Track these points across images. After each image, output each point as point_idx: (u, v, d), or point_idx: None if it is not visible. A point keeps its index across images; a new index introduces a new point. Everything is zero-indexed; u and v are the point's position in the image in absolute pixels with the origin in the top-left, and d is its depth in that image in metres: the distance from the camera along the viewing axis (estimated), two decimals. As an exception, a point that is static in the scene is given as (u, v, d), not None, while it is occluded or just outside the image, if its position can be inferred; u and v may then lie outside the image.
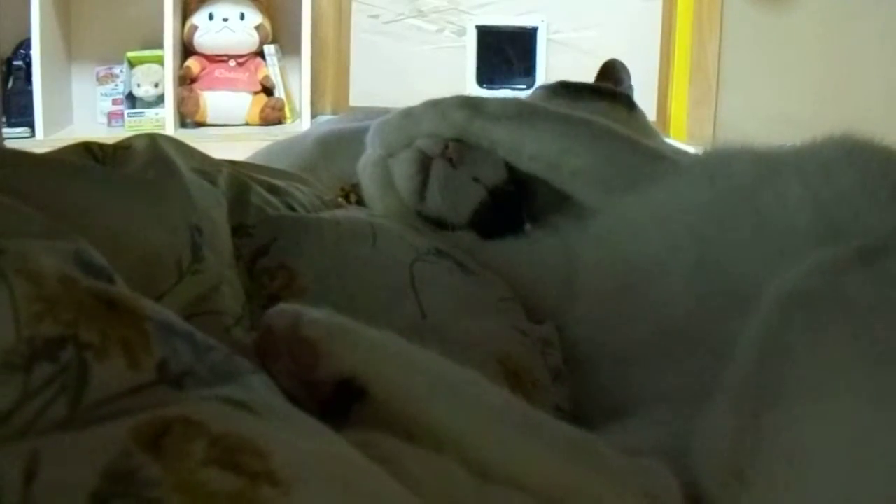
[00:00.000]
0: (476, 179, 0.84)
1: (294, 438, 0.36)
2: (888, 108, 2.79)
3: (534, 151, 0.81)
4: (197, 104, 3.20)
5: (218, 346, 0.40)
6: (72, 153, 0.62)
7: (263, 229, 0.70)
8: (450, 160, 0.83)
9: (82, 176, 0.56)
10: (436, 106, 0.85)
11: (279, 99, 3.27)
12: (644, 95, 3.13)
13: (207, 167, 0.69)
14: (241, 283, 0.62)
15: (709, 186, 0.72)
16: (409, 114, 0.86)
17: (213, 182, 0.67)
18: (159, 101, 3.22)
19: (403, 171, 0.85)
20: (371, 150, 0.89)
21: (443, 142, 0.84)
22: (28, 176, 0.52)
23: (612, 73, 1.11)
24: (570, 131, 0.82)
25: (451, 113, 0.84)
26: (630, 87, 1.11)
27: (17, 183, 0.49)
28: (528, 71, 3.20)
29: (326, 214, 0.80)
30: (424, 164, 0.84)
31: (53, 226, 0.43)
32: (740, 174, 0.72)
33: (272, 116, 3.24)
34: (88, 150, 0.63)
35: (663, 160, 0.80)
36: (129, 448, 0.31)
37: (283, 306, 0.50)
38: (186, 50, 3.25)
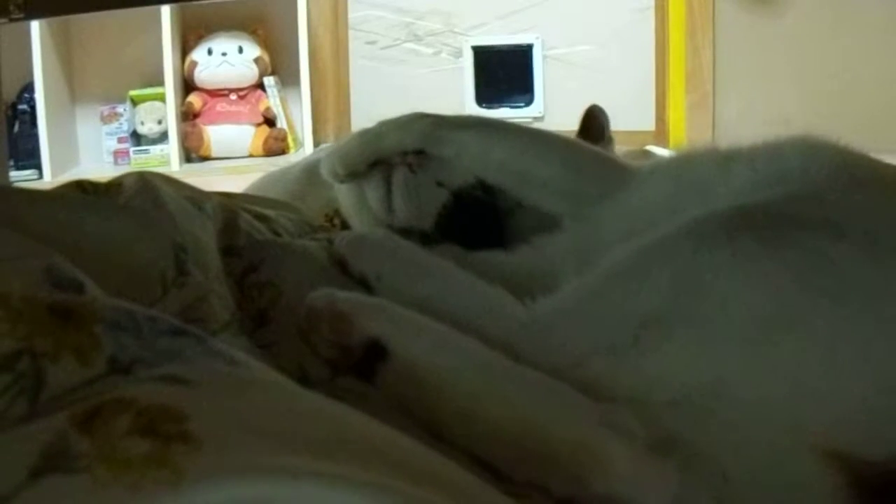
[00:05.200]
0: (440, 184, 0.85)
1: (221, 399, 0.40)
2: (883, 106, 2.80)
3: (502, 158, 0.81)
4: (201, 139, 3.25)
5: (168, 330, 0.44)
6: (66, 190, 0.67)
7: (251, 251, 0.74)
8: (409, 166, 0.84)
9: (72, 204, 0.61)
10: (395, 121, 0.85)
11: (281, 129, 3.31)
12: (641, 105, 3.21)
13: (196, 195, 0.73)
14: (232, 296, 0.65)
15: (674, 184, 0.74)
16: (366, 133, 0.86)
17: (199, 207, 0.71)
18: (163, 137, 3.27)
19: (375, 192, 0.86)
20: (329, 178, 0.89)
21: (403, 153, 0.84)
22: (20, 206, 0.56)
23: (592, 121, 1.08)
24: (537, 142, 0.83)
25: (413, 124, 0.84)
26: (609, 138, 1.08)
27: (8, 212, 0.54)
28: (526, 88, 3.23)
29: (309, 241, 0.83)
30: (388, 175, 0.85)
31: (28, 246, 0.47)
32: (701, 169, 0.73)
33: (276, 147, 3.29)
34: (81, 187, 0.67)
35: (627, 169, 0.81)
36: (65, 430, 0.35)
37: (320, 290, 0.62)
38: (187, 86, 3.31)
